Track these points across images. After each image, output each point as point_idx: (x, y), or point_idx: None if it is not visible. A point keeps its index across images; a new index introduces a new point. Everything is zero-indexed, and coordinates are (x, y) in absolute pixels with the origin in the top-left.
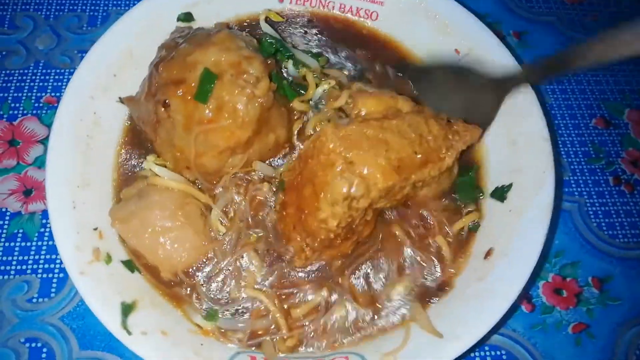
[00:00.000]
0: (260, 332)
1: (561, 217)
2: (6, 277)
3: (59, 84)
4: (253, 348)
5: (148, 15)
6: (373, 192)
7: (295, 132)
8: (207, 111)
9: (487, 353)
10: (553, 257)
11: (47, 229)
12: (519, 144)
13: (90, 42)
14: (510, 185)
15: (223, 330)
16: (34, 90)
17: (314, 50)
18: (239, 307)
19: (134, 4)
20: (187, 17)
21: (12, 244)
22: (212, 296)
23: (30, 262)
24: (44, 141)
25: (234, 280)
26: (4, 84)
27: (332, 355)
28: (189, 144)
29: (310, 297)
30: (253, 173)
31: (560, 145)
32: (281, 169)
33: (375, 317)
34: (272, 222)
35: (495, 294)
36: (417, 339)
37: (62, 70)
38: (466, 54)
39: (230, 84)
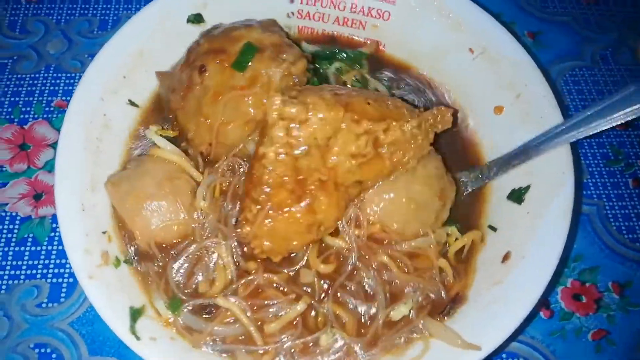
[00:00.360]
0: (228, 340)
1: (580, 221)
2: (16, 281)
3: (70, 88)
4: (224, 355)
5: (158, 16)
6: (314, 119)
7: None
8: (241, 80)
9: None
10: (572, 261)
11: (57, 234)
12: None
13: (101, 46)
14: (528, 187)
15: (185, 326)
16: (45, 95)
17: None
18: (206, 305)
19: None
20: (197, 18)
21: (22, 248)
22: (178, 282)
23: (40, 266)
24: (55, 145)
25: (201, 274)
26: (15, 88)
27: None
28: (217, 111)
29: (283, 312)
30: None
31: (578, 147)
32: None
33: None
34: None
35: (513, 300)
36: (433, 349)
37: (73, 74)
38: (480, 52)
39: (269, 59)
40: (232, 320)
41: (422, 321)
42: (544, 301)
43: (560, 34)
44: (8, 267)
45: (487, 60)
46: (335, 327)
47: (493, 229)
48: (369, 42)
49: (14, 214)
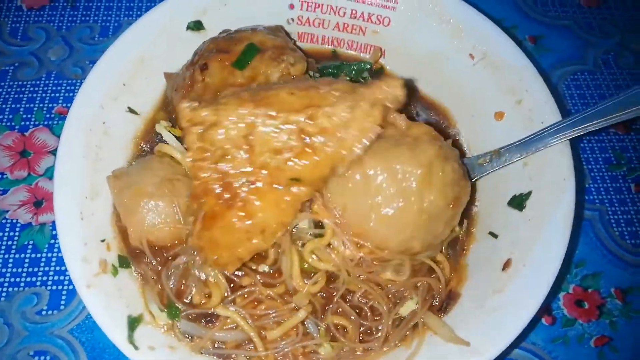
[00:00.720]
0: (229, 345)
1: (582, 226)
2: (16, 289)
3: (71, 94)
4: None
5: (158, 23)
6: (224, 120)
7: None
8: (240, 78)
9: None
10: (574, 267)
11: (58, 241)
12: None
13: (102, 53)
14: (529, 193)
15: (184, 333)
16: (46, 101)
17: None
18: (204, 314)
19: None
20: (196, 25)
21: (23, 255)
22: (174, 287)
23: (40, 274)
24: (56, 152)
25: (194, 286)
26: (16, 95)
27: None
28: None
29: (284, 320)
30: None
31: (580, 152)
32: None
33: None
34: None
35: (515, 307)
36: (428, 354)
37: (74, 81)
38: (481, 58)
39: (270, 59)
40: (233, 327)
41: (423, 315)
42: (546, 307)
43: (561, 38)
44: (8, 275)
45: (487, 66)
46: (338, 337)
47: (494, 235)
48: (373, 49)
49: (14, 221)
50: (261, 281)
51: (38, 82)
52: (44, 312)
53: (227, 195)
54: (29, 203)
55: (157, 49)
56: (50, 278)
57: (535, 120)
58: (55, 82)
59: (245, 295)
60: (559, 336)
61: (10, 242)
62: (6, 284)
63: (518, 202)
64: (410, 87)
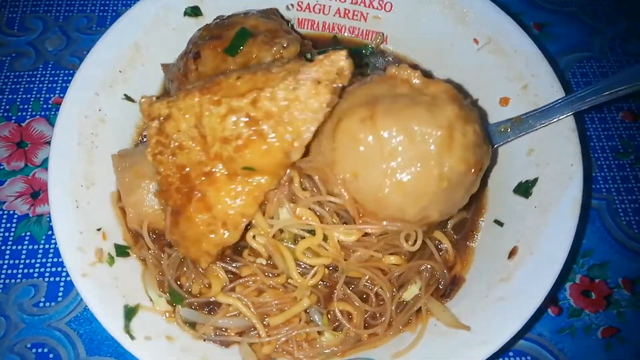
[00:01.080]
0: (231, 332)
1: (589, 215)
2: (13, 280)
3: (68, 85)
4: (224, 347)
5: (154, 10)
6: (174, 112)
7: None
8: (232, 64)
9: (512, 359)
10: (581, 257)
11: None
12: (544, 136)
13: None
14: (535, 180)
15: (186, 320)
16: (43, 92)
17: None
18: (206, 302)
19: None
20: (194, 11)
21: (20, 247)
22: (174, 274)
23: (37, 265)
24: None
25: (193, 275)
26: (13, 86)
27: None
28: None
29: (287, 308)
30: None
31: (587, 141)
32: None
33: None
34: None
35: (521, 297)
36: (432, 341)
37: (72, 71)
38: (486, 43)
39: (262, 42)
40: (236, 314)
41: (426, 300)
42: (552, 297)
43: (568, 25)
44: (5, 266)
45: (492, 51)
46: (343, 323)
47: (499, 223)
48: (374, 35)
49: (11, 212)
50: (261, 271)
51: (35, 73)
52: (41, 304)
53: (185, 189)
54: (26, 194)
55: (153, 36)
56: (48, 270)
57: (542, 105)
58: (53, 72)
59: (249, 284)
60: (565, 327)
61: (7, 234)
62: (3, 276)
63: (524, 189)
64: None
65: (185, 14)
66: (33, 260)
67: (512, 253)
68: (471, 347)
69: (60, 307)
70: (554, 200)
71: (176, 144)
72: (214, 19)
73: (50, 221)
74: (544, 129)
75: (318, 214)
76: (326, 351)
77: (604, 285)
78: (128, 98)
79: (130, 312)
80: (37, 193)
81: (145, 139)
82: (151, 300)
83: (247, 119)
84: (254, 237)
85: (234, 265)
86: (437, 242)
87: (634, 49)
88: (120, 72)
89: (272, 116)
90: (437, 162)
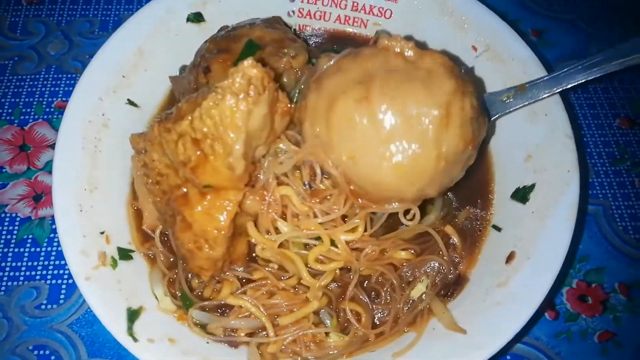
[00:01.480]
0: (241, 332)
1: (585, 221)
2: (15, 283)
3: (70, 88)
4: (232, 348)
5: (157, 15)
6: (147, 144)
7: None
8: None
9: None
10: (577, 262)
11: (57, 235)
12: (541, 142)
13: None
14: (532, 186)
15: (197, 322)
16: (45, 95)
17: None
18: (218, 305)
19: None
20: (196, 17)
21: (22, 249)
22: (186, 279)
23: (39, 268)
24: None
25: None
26: (16, 89)
27: None
28: None
29: (296, 309)
30: None
31: (584, 146)
32: None
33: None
34: None
35: (518, 301)
36: (430, 342)
37: (74, 75)
38: (484, 50)
39: (270, 54)
40: (247, 315)
41: (430, 300)
42: (549, 302)
43: (565, 32)
44: (7, 269)
45: (490, 58)
46: (352, 322)
47: (497, 228)
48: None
49: (13, 215)
50: (273, 274)
51: (38, 76)
52: (43, 306)
53: (170, 212)
54: (29, 197)
55: (156, 42)
56: (50, 272)
57: (539, 112)
58: (55, 76)
59: (260, 288)
60: (562, 331)
61: (9, 236)
62: (5, 278)
63: (522, 194)
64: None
65: (188, 19)
66: (35, 263)
67: (509, 258)
68: (468, 350)
69: (62, 309)
70: (551, 206)
71: (156, 171)
72: (219, 30)
73: (52, 224)
74: (541, 135)
75: (320, 221)
76: (334, 352)
77: (600, 290)
78: (131, 103)
79: (133, 315)
80: (40, 196)
81: None
82: (156, 298)
83: (191, 142)
84: (262, 249)
85: (242, 270)
86: (449, 238)
87: None
88: (123, 77)
89: (206, 135)
90: (435, 142)
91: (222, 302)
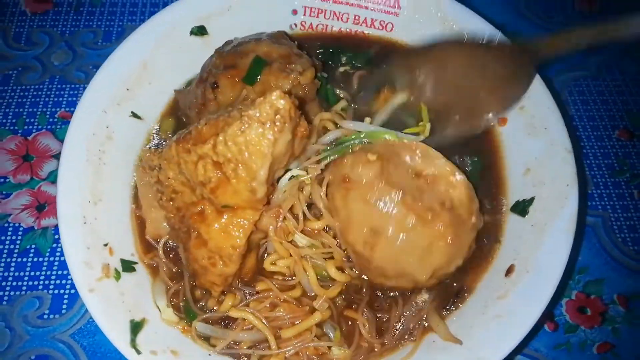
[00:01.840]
0: (244, 345)
1: (585, 232)
2: (18, 292)
3: (74, 99)
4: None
5: (161, 29)
6: (162, 163)
7: None
8: (252, 93)
9: None
10: (577, 273)
11: (60, 245)
12: (540, 156)
13: (105, 58)
14: (532, 199)
15: (201, 335)
16: (49, 106)
17: None
18: (221, 317)
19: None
20: (200, 30)
21: (25, 259)
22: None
23: (42, 277)
24: (58, 156)
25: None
26: (20, 99)
27: None
28: None
29: (299, 322)
30: None
31: (583, 158)
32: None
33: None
34: None
35: (518, 313)
36: (430, 355)
37: (77, 86)
38: None
39: (278, 70)
40: (249, 327)
41: (427, 312)
42: (548, 314)
43: None
44: (10, 278)
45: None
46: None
47: (497, 241)
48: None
49: (16, 224)
50: (276, 285)
51: (41, 87)
52: (45, 316)
53: (185, 228)
54: (32, 207)
55: (160, 55)
56: (52, 282)
57: (538, 126)
58: (59, 86)
59: (263, 300)
60: (561, 342)
61: (12, 246)
62: (8, 288)
63: (521, 208)
64: None
65: (192, 33)
66: (38, 273)
67: (509, 271)
68: None
69: (64, 319)
70: (550, 219)
71: (171, 188)
72: (224, 44)
73: (55, 234)
74: (541, 149)
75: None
76: None
77: (600, 302)
78: (135, 115)
79: (136, 327)
80: (43, 206)
81: None
82: (159, 309)
83: (212, 164)
84: (273, 263)
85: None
86: None
87: (630, 68)
88: (127, 90)
89: (230, 160)
90: (444, 238)
91: (225, 315)
